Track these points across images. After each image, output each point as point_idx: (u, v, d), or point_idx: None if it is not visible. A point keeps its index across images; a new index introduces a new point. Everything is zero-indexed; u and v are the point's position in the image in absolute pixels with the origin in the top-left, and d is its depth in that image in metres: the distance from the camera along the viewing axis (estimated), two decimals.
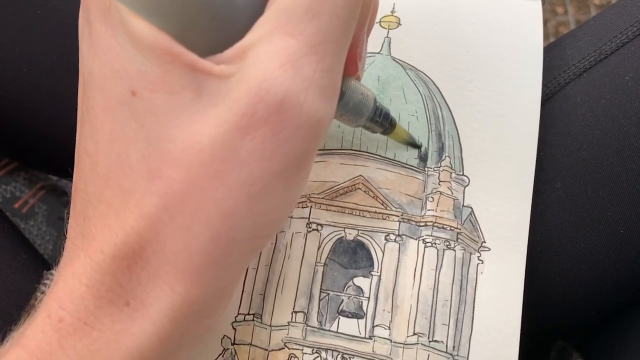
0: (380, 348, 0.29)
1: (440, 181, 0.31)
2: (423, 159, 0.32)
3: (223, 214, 0.19)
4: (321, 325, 0.30)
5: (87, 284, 0.20)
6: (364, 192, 0.31)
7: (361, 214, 0.31)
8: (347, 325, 0.30)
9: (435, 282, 0.30)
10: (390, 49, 0.34)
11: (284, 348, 0.30)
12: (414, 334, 0.29)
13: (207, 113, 0.19)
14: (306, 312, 0.30)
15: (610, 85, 0.33)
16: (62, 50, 0.38)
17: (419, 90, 0.33)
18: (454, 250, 0.31)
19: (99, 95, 0.20)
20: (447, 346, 0.29)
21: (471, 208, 0.31)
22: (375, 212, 0.31)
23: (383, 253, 0.31)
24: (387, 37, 0.34)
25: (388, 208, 0.31)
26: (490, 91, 0.33)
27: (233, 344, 0.30)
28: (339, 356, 0.29)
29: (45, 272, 0.30)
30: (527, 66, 0.33)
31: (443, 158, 0.32)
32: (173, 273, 0.20)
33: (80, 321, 0.20)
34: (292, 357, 0.29)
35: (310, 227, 0.31)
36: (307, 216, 0.31)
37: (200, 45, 0.19)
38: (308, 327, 0.30)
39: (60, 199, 0.49)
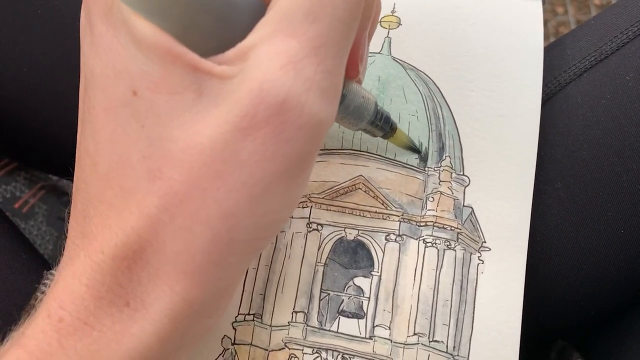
0: (380, 348, 0.29)
1: (440, 181, 0.31)
2: (423, 158, 0.32)
3: (224, 215, 0.19)
4: (321, 325, 0.30)
5: (87, 284, 0.20)
6: (365, 192, 0.31)
7: (361, 214, 0.31)
8: (348, 325, 0.30)
9: (435, 282, 0.30)
10: (390, 48, 0.34)
11: (284, 348, 0.30)
12: (415, 334, 0.29)
13: (208, 113, 0.19)
14: (306, 312, 0.30)
15: (611, 85, 0.33)
16: (62, 50, 0.38)
17: (420, 90, 0.33)
18: (455, 250, 0.31)
19: (100, 95, 0.20)
20: (447, 346, 0.29)
21: (471, 208, 0.31)
22: (376, 212, 0.31)
23: (383, 253, 0.31)
24: (387, 37, 0.34)
25: (388, 208, 0.31)
26: (491, 91, 0.33)
27: (233, 344, 0.30)
28: (339, 356, 0.29)
29: (45, 272, 0.30)
30: (527, 66, 0.33)
31: (443, 158, 0.32)
32: (173, 273, 0.19)
33: (80, 321, 0.20)
34: (292, 357, 0.29)
35: (311, 227, 0.31)
36: (308, 216, 0.31)
37: (202, 46, 0.19)
38: (308, 327, 0.30)
39: (61, 199, 0.49)
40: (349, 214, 0.31)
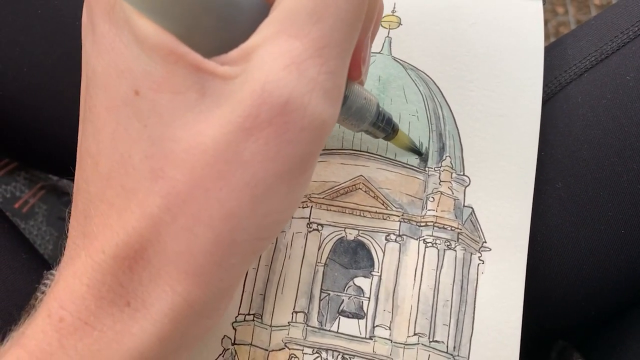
0: (380, 348, 0.29)
1: (440, 181, 0.31)
2: (424, 159, 0.32)
3: (226, 215, 0.19)
4: (321, 326, 0.30)
5: (88, 284, 0.20)
6: (365, 192, 0.31)
7: (362, 214, 0.31)
8: (348, 325, 0.30)
9: (435, 282, 0.30)
10: (391, 48, 0.34)
11: (284, 348, 0.30)
12: (415, 334, 0.29)
13: (211, 114, 0.19)
14: (306, 312, 0.30)
15: (611, 85, 0.33)
16: (63, 49, 0.38)
17: (420, 90, 0.33)
18: (455, 250, 0.31)
19: (102, 94, 0.20)
20: (447, 346, 0.29)
21: (472, 208, 0.31)
22: (376, 212, 0.31)
23: (384, 253, 0.31)
24: (387, 36, 0.34)
25: (389, 208, 0.31)
26: (491, 91, 0.33)
27: (233, 344, 0.30)
28: (340, 356, 0.29)
29: (45, 272, 0.30)
30: (527, 66, 0.33)
31: (444, 158, 0.32)
32: (174, 273, 0.19)
33: (81, 321, 0.20)
34: (292, 357, 0.29)
35: (311, 227, 0.31)
36: (308, 216, 0.31)
37: (205, 46, 0.19)
38: (308, 327, 0.30)
39: (61, 198, 0.49)
40: (349, 214, 0.31)
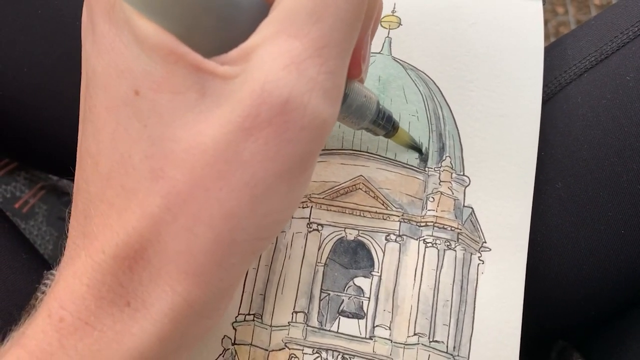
0: (380, 348, 0.29)
1: (440, 181, 0.31)
2: (424, 159, 0.32)
3: (226, 215, 0.19)
4: (322, 326, 0.30)
5: (88, 284, 0.20)
6: (365, 192, 0.31)
7: (362, 214, 0.31)
8: (348, 325, 0.30)
9: (435, 282, 0.30)
10: (391, 49, 0.34)
11: (284, 348, 0.30)
12: (415, 334, 0.29)
13: (211, 114, 0.19)
14: (307, 312, 0.30)
15: (611, 85, 0.33)
16: (63, 49, 0.38)
17: (420, 90, 0.33)
18: (455, 250, 0.31)
19: (102, 94, 0.20)
20: (447, 346, 0.29)
21: (472, 208, 0.31)
22: (376, 212, 0.31)
23: (384, 253, 0.31)
24: (387, 37, 0.34)
25: (389, 208, 0.31)
26: (491, 91, 0.33)
27: (233, 344, 0.30)
28: (340, 356, 0.29)
29: (45, 272, 0.30)
30: (527, 66, 0.33)
31: (444, 158, 0.32)
32: (175, 273, 0.19)
33: (81, 321, 0.20)
34: (292, 357, 0.29)
35: (311, 227, 0.31)
36: (308, 216, 0.31)
37: (205, 46, 0.19)
38: (308, 327, 0.30)
39: (61, 199, 0.49)
40: (349, 214, 0.31)
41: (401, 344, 0.29)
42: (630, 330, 0.34)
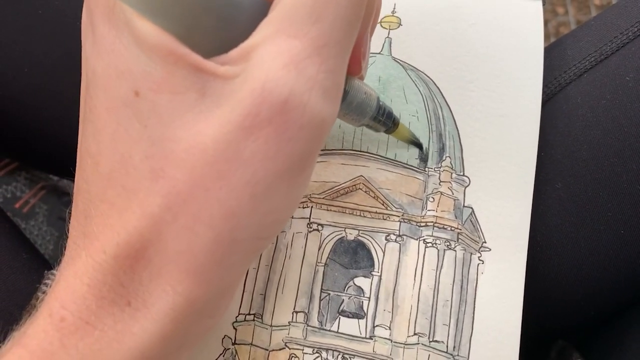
0: (380, 348, 0.29)
1: (440, 181, 0.32)
2: (424, 159, 0.32)
3: (227, 214, 0.19)
4: (322, 325, 0.30)
5: (88, 284, 0.20)
6: (365, 192, 0.31)
7: (362, 214, 0.31)
8: (348, 325, 0.30)
9: (435, 282, 0.30)
10: (391, 49, 0.34)
11: (284, 348, 0.30)
12: (415, 334, 0.29)
13: (211, 113, 0.19)
14: (307, 312, 0.30)
15: (611, 85, 0.33)
16: (63, 50, 0.38)
17: (420, 91, 0.33)
18: (455, 250, 0.31)
19: (102, 95, 0.20)
20: (447, 346, 0.29)
21: (472, 208, 0.31)
22: (376, 212, 0.31)
23: (384, 253, 0.31)
24: (387, 37, 0.34)
25: (389, 208, 0.31)
26: (491, 91, 0.33)
27: (234, 343, 0.30)
28: (340, 356, 0.29)
29: (46, 271, 0.30)
30: (527, 66, 0.33)
31: (444, 158, 0.32)
32: (175, 273, 0.20)
33: (82, 321, 0.20)
34: (292, 357, 0.29)
35: (311, 227, 0.31)
36: (308, 216, 0.31)
37: (205, 46, 0.19)
38: (309, 327, 0.30)
39: (61, 199, 0.49)
40: (350, 214, 0.31)
41: (401, 343, 0.29)
42: (630, 330, 0.34)
